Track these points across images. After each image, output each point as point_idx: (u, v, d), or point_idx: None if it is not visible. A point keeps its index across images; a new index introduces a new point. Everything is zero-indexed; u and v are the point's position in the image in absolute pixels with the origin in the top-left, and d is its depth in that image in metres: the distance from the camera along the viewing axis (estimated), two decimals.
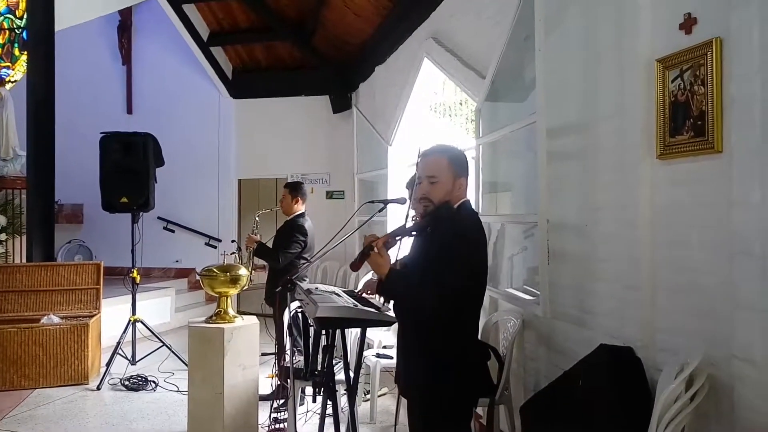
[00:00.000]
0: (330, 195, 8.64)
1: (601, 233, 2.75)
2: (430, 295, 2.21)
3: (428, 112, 6.37)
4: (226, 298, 3.86)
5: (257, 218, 4.98)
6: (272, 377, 4.98)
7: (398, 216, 5.35)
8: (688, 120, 2.24)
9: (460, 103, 8.75)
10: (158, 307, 7.54)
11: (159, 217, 8.73)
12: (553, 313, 3.04)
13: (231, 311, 3.84)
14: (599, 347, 2.55)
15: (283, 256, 4.51)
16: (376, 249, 2.26)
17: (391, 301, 2.50)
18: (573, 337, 2.93)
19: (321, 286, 3.44)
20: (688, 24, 2.25)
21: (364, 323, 2.94)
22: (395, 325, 2.72)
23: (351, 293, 3.33)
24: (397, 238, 2.39)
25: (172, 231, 9.07)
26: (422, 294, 2.24)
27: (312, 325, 3.16)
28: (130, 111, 9.51)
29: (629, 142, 2.53)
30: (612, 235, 2.66)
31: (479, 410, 3.71)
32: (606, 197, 2.70)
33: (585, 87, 2.85)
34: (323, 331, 3.19)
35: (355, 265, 2.33)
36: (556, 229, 3.05)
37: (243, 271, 3.89)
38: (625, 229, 2.55)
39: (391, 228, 5.50)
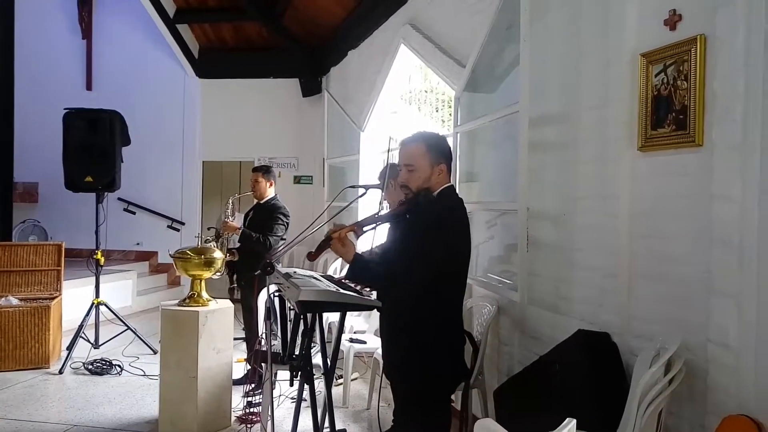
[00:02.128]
0: (298, 180, 8.57)
1: (580, 223, 2.82)
2: (405, 279, 2.24)
3: (397, 100, 6.38)
4: (200, 281, 3.80)
5: (231, 203, 4.89)
6: (242, 361, 4.95)
7: (369, 203, 5.37)
8: (670, 114, 2.31)
9: (426, 92, 8.78)
10: (119, 290, 7.35)
11: (119, 198, 8.48)
12: (530, 300, 3.11)
13: (205, 294, 3.79)
14: (576, 332, 2.62)
15: (272, 239, 4.46)
16: (336, 239, 2.27)
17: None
18: (549, 323, 3.01)
19: (299, 270, 3.43)
20: (672, 20, 2.31)
21: (346, 307, 2.96)
22: (369, 311, 2.75)
23: (329, 278, 3.33)
24: (372, 225, 2.41)
25: (133, 213, 8.84)
26: (396, 278, 2.28)
27: (292, 309, 3.15)
28: (89, 87, 9.18)
29: (611, 133, 2.59)
30: (591, 224, 2.73)
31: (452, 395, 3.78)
32: (586, 187, 2.76)
33: (568, 78, 2.90)
34: (302, 315, 3.20)
35: (312, 255, 2.35)
36: (533, 217, 3.11)
37: (218, 254, 3.84)
38: (604, 219, 2.63)
39: (362, 214, 5.53)
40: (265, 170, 4.79)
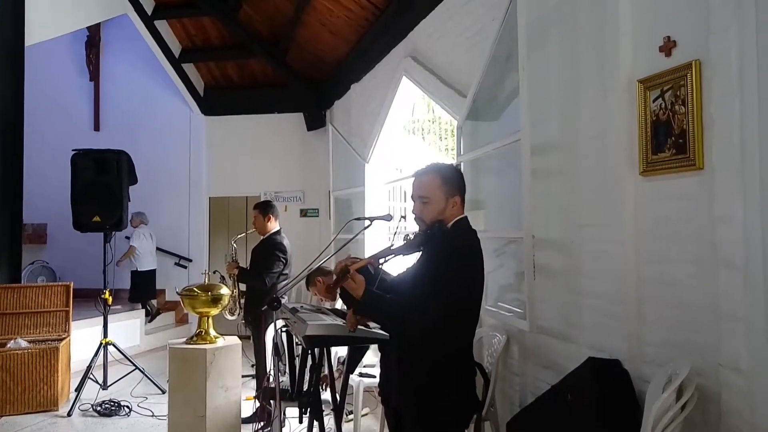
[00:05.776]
0: (304, 213, 8.61)
1: (586, 249, 2.81)
2: (420, 313, 2.22)
3: (401, 130, 6.45)
4: (207, 318, 3.79)
5: (234, 245, 4.92)
6: (251, 399, 4.90)
7: (377, 234, 5.37)
8: (669, 138, 2.33)
9: (431, 121, 8.86)
10: (127, 329, 7.35)
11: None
12: (539, 328, 3.09)
13: (212, 332, 3.78)
14: (587, 360, 2.59)
15: (268, 277, 4.45)
16: (350, 273, 2.23)
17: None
18: (559, 351, 2.97)
19: (306, 305, 3.43)
20: (667, 47, 2.35)
21: (354, 341, 2.94)
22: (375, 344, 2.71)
23: (336, 311, 3.32)
24: (386, 258, 2.40)
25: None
26: (411, 312, 2.25)
27: (299, 344, 3.14)
28: (97, 128, 9.35)
29: (612, 159, 2.61)
30: (596, 251, 2.73)
31: None
32: (590, 214, 2.76)
33: (568, 106, 2.93)
34: (309, 351, 3.18)
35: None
36: (539, 245, 3.10)
37: (224, 290, 3.84)
38: (609, 245, 2.62)
39: (368, 246, 5.53)
40: (262, 207, 4.80)
